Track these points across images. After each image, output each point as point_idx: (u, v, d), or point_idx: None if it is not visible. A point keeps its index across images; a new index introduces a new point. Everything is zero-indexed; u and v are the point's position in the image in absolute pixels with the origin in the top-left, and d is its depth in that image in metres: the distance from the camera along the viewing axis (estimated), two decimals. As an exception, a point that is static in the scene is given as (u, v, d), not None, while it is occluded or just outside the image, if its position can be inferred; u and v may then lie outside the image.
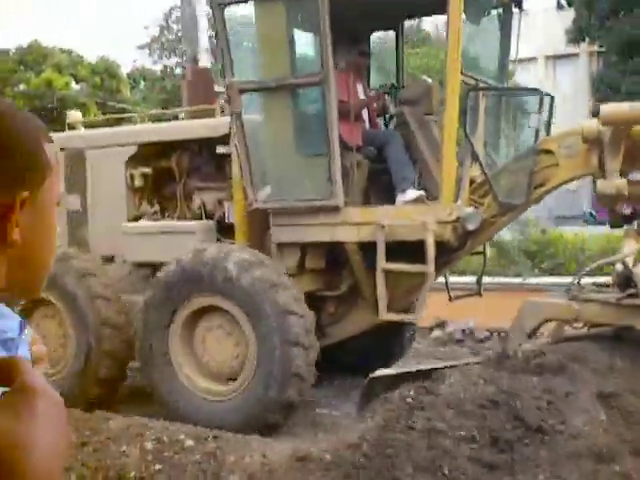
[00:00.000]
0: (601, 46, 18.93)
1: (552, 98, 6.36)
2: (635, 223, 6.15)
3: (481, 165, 6.24)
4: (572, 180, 6.41)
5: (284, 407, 6.06)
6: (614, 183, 5.75)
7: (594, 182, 6.36)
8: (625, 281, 5.44)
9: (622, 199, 5.85)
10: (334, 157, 6.20)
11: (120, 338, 6.79)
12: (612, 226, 6.43)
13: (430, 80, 7.06)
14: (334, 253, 6.88)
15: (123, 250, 7.34)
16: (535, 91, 6.53)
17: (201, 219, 7.23)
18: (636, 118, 5.48)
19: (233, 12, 6.50)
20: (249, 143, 6.52)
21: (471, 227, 6.15)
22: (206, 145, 7.22)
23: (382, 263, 6.15)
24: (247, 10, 6.54)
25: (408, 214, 6.20)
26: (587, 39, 20.44)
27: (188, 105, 7.93)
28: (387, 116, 7.27)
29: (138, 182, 7.46)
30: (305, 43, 6.66)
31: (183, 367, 6.38)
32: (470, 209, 6.11)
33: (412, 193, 6.44)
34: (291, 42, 6.43)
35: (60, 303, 6.79)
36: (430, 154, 6.66)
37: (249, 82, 6.54)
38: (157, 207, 7.47)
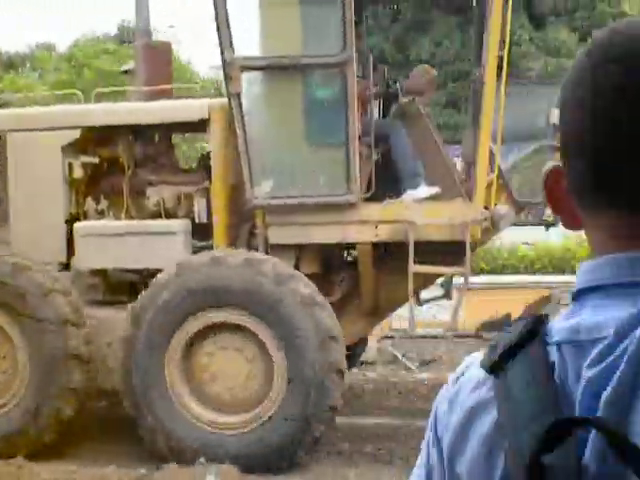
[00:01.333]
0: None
1: None
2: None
3: (496, 163, 5.93)
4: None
5: (312, 442, 5.32)
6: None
7: None
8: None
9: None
10: (352, 148, 5.53)
11: (88, 373, 5.58)
12: None
13: (434, 71, 6.59)
14: (330, 256, 6.20)
15: (60, 254, 6.07)
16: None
17: (160, 217, 6.16)
18: None
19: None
20: (249, 130, 5.62)
21: (504, 227, 5.82)
22: (173, 131, 6.18)
23: (414, 266, 5.59)
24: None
25: (439, 213, 5.70)
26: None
27: (143, 85, 6.72)
28: (381, 106, 6.67)
29: (78, 173, 6.20)
30: (322, 17, 5.85)
31: (184, 397, 5.35)
32: (505, 209, 5.75)
33: (426, 190, 5.93)
34: (305, 15, 5.65)
35: (12, 326, 5.42)
36: (434, 148, 6.19)
37: (255, 59, 5.64)
38: (105, 204, 6.25)
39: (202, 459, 5.24)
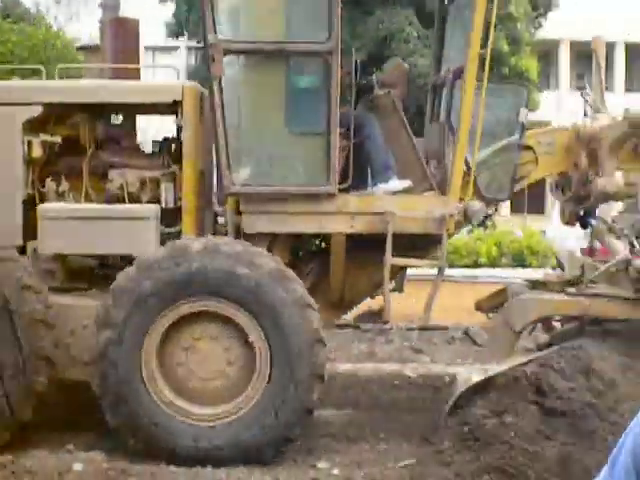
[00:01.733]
0: (198, 42, 19.37)
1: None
2: (599, 221, 6.45)
3: (465, 159, 6.03)
4: (548, 176, 6.48)
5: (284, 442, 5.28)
6: (615, 181, 5.94)
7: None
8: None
9: (620, 197, 6.09)
10: (333, 139, 5.49)
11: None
12: (583, 226, 6.64)
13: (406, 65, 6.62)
14: (300, 246, 6.16)
15: (16, 237, 5.74)
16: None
17: (123, 202, 5.92)
18: None
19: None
20: (228, 115, 5.48)
21: (476, 222, 5.94)
22: (143, 112, 5.96)
23: (390, 258, 5.62)
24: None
25: (415, 206, 5.74)
26: (186, 33, 20.93)
27: (109, 62, 6.39)
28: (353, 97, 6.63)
29: (38, 152, 5.88)
30: (307, 4, 5.76)
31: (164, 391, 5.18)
32: (478, 204, 5.85)
33: (398, 183, 5.98)
34: (290, 1, 5.57)
35: None
36: (407, 141, 6.23)
37: (239, 42, 5.50)
38: (65, 185, 5.95)
39: (70, 445, 5.23)
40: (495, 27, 5.80)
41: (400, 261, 5.72)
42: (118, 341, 5.07)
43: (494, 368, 5.23)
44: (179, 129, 5.93)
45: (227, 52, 5.40)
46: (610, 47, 28.18)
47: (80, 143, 5.97)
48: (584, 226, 6.75)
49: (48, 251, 5.60)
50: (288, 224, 5.71)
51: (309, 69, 5.72)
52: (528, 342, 6.00)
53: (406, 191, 5.93)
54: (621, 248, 6.09)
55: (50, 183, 5.91)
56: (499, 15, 21.42)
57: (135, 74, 6.13)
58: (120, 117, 6.29)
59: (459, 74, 6.06)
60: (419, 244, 5.97)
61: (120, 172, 5.98)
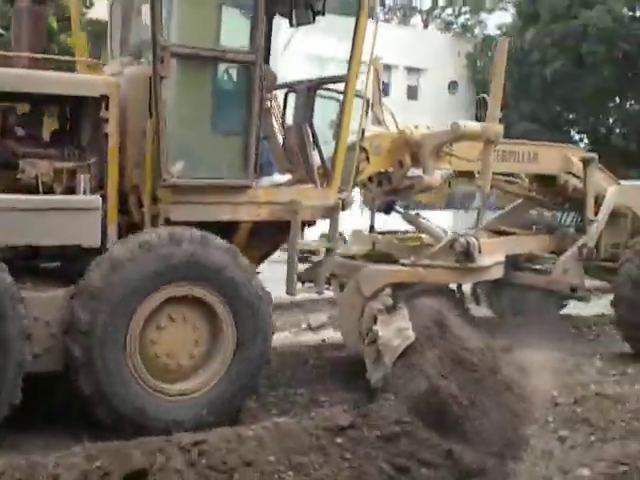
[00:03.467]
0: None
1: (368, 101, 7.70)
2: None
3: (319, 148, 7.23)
4: (377, 172, 7.89)
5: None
6: (437, 177, 7.66)
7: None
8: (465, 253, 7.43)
9: (437, 191, 7.81)
10: (252, 138, 6.28)
11: None
12: (386, 212, 8.23)
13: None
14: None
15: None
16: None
17: (36, 193, 5.92)
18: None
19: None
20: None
21: (347, 209, 7.14)
22: (67, 105, 5.98)
23: (298, 240, 6.59)
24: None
25: (309, 196, 6.75)
26: None
27: (21, 49, 5.89)
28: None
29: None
30: (236, 15, 6.32)
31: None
32: (351, 195, 7.07)
33: (280, 177, 6.96)
34: (221, 11, 6.15)
35: None
36: (278, 135, 7.17)
37: (186, 47, 5.92)
38: (-6, 174, 5.73)
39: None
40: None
41: (305, 243, 6.73)
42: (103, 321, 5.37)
43: (407, 331, 6.51)
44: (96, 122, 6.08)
45: (174, 55, 5.84)
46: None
47: None
48: (387, 212, 8.41)
49: (-11, 243, 5.43)
50: (209, 213, 6.31)
51: (235, 76, 6.37)
52: (377, 304, 7.32)
53: (285, 184, 6.93)
54: (435, 229, 7.88)
55: None
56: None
57: (40, 64, 6.07)
58: (27, 107, 6.14)
59: (320, 84, 7.26)
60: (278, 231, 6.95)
61: (32, 162, 5.94)
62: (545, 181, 9.20)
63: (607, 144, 33.71)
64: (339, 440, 5.23)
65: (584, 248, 8.63)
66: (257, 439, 5.03)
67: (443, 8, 58.00)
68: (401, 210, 8.51)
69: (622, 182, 9.66)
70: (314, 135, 7.26)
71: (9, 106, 5.99)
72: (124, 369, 5.47)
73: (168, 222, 6.16)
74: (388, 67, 40.64)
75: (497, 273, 7.93)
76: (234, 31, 6.35)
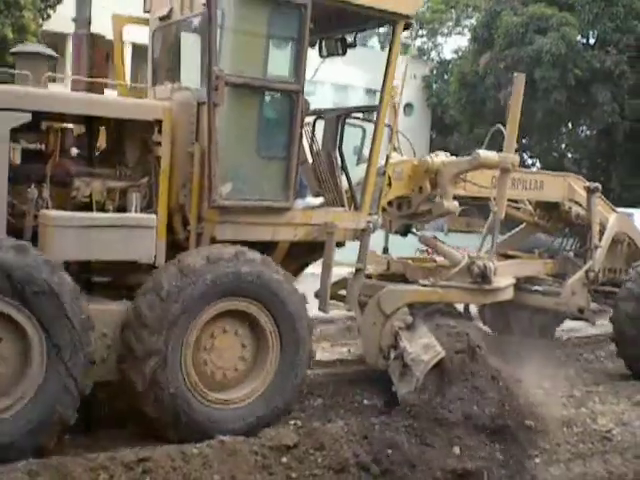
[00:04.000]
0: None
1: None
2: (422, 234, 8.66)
3: (347, 173, 7.67)
4: (398, 197, 8.31)
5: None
6: (455, 203, 8.11)
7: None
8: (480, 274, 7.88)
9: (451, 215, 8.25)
10: (293, 163, 6.67)
11: None
12: (403, 235, 8.67)
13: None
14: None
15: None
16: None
17: (89, 210, 6.25)
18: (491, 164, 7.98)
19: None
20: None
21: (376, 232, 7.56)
22: (123, 127, 6.32)
23: (332, 259, 6.99)
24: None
25: (342, 219, 7.15)
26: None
27: (80, 73, 6.22)
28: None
29: (18, 160, 5.91)
30: (283, 48, 6.72)
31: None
32: (377, 217, 7.49)
33: (314, 200, 7.36)
34: (269, 44, 6.56)
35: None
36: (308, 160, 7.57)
37: (238, 76, 6.30)
38: (46, 193, 6.04)
39: None
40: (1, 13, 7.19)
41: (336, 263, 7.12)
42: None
43: (435, 347, 6.91)
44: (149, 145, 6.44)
45: (227, 84, 6.23)
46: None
47: (55, 151, 6.13)
48: (404, 235, 8.85)
49: (59, 258, 5.73)
50: (251, 233, 6.68)
51: (279, 103, 6.76)
52: (397, 322, 7.71)
53: (319, 206, 7.32)
54: (452, 252, 8.32)
55: (31, 190, 5.95)
56: (7, 2, 22.03)
57: (100, 88, 6.42)
58: (83, 128, 6.48)
59: (349, 113, 7.70)
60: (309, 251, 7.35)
61: (88, 181, 6.28)
62: (548, 207, 9.71)
63: (559, 169, 34.72)
64: (284, 459, 5.38)
65: (590, 272, 9.14)
66: (202, 457, 5.15)
67: (400, 31, 60.16)
68: (417, 233, 8.96)
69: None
70: (342, 161, 7.70)
71: (66, 127, 6.33)
72: (181, 384, 5.80)
73: (213, 240, 6.53)
74: (345, 87, 41.52)
75: (509, 294, 8.39)
76: (279, 61, 6.74)
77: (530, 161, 39.43)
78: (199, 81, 6.78)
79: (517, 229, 10.32)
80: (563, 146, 40.20)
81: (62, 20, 22.32)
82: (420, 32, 55.94)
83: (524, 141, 37.66)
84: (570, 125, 38.59)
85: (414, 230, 8.90)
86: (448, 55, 47.46)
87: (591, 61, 33.60)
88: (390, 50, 7.25)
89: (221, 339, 6.08)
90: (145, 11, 7.58)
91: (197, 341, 5.93)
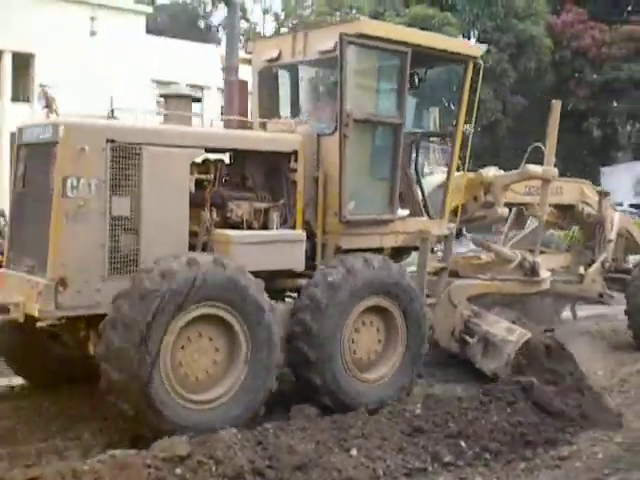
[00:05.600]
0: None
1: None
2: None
3: (421, 187, 9.09)
4: (457, 204, 9.76)
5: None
6: (506, 210, 9.66)
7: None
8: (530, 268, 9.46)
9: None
10: (396, 182, 8.08)
11: None
12: (457, 237, 10.17)
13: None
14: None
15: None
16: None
17: (241, 229, 7.48)
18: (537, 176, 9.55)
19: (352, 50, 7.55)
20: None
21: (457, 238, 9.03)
22: (266, 158, 7.59)
23: (429, 260, 8.42)
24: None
25: (430, 226, 8.58)
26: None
27: (232, 114, 7.39)
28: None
29: (195, 188, 7.10)
30: (388, 88, 8.08)
31: None
32: (455, 225, 8.96)
33: (403, 211, 8.77)
34: (379, 85, 7.94)
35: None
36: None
37: (362, 113, 7.65)
38: (215, 215, 7.27)
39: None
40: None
41: (433, 263, 8.55)
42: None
43: (518, 330, 8.42)
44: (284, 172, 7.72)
45: (355, 120, 7.58)
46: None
47: (215, 180, 7.35)
48: (457, 237, 10.35)
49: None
50: (367, 242, 8.05)
51: (387, 134, 8.12)
52: (466, 310, 9.17)
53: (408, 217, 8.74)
54: (504, 250, 9.87)
55: (204, 213, 7.17)
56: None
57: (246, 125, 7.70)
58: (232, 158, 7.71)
59: (424, 136, 9.15)
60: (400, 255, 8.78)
61: (237, 203, 7.52)
62: (564, 208, 11.38)
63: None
64: (178, 470, 5.28)
65: (605, 262, 10.87)
66: (93, 473, 5.06)
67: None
68: (468, 235, 10.49)
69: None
70: (417, 176, 9.12)
71: (220, 159, 7.55)
72: (339, 363, 7.13)
73: (338, 249, 7.88)
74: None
75: (548, 284, 10.01)
76: (386, 99, 8.13)
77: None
78: (317, 116, 8.14)
79: (532, 227, 11.94)
80: (449, 143, 42.35)
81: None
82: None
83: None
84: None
85: (465, 233, 10.42)
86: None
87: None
88: (462, 86, 8.71)
89: (364, 329, 7.43)
90: (247, 52, 8.83)
91: (352, 325, 7.27)
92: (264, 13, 60.46)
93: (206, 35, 58.79)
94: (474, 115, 8.85)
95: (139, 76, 37.21)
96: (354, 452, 6.04)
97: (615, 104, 41.61)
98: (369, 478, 5.78)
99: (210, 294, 6.28)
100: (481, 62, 8.74)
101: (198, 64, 39.61)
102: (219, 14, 60.67)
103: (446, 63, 9.05)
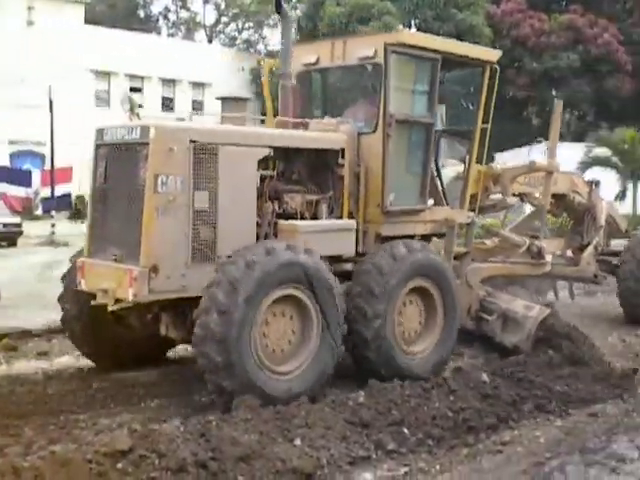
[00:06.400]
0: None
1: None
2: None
3: (441, 180, 10.02)
4: (471, 194, 10.70)
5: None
6: (513, 199, 10.65)
7: None
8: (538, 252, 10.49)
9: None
10: (428, 175, 9.00)
11: None
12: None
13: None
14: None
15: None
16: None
17: (295, 218, 8.29)
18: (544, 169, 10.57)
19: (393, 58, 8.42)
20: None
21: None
22: (316, 154, 8.41)
23: (454, 245, 9.36)
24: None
25: (453, 215, 9.51)
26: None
27: (287, 115, 8.18)
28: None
29: (260, 183, 7.88)
30: (422, 91, 8.94)
31: None
32: (474, 214, 9.90)
33: (429, 202, 9.68)
34: (415, 88, 8.82)
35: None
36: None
37: (402, 114, 8.52)
38: (275, 206, 8.06)
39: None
40: None
41: (457, 248, 9.48)
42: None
43: (536, 307, 9.42)
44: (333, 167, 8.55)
45: (397, 120, 8.45)
46: None
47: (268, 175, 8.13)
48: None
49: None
50: (403, 229, 8.95)
51: (420, 132, 9.00)
52: (481, 291, 10.13)
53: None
54: (513, 236, 10.86)
55: (268, 205, 7.96)
56: None
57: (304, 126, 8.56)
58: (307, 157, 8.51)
59: (445, 132, 10.07)
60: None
61: (291, 196, 8.34)
62: (557, 197, 12.43)
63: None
64: (120, 465, 5.22)
65: (598, 246, 11.98)
66: (34, 470, 4.99)
67: (227, 24, 59.54)
68: (478, 222, 11.43)
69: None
70: (437, 169, 10.02)
71: (301, 157, 8.38)
72: (392, 338, 8.02)
73: (378, 236, 8.76)
74: (172, 82, 43.08)
75: (550, 266, 11.06)
76: (419, 101, 9.01)
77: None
78: (355, 116, 8.99)
79: (528, 214, 12.99)
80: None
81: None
82: (247, 25, 56.26)
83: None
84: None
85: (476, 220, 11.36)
86: (276, 47, 47.37)
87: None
88: (481, 88, 9.65)
89: (408, 308, 8.33)
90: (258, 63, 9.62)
91: (400, 307, 8.16)
92: (205, 2, 60.67)
93: (146, 24, 58.58)
94: (491, 114, 9.75)
95: (77, 66, 37.19)
96: (298, 442, 6.03)
97: (554, 92, 42.68)
98: (313, 467, 5.77)
99: (289, 277, 7.10)
100: (497, 66, 9.68)
101: (137, 54, 40.10)
102: (159, 3, 59.96)
103: (466, 67, 9.95)
